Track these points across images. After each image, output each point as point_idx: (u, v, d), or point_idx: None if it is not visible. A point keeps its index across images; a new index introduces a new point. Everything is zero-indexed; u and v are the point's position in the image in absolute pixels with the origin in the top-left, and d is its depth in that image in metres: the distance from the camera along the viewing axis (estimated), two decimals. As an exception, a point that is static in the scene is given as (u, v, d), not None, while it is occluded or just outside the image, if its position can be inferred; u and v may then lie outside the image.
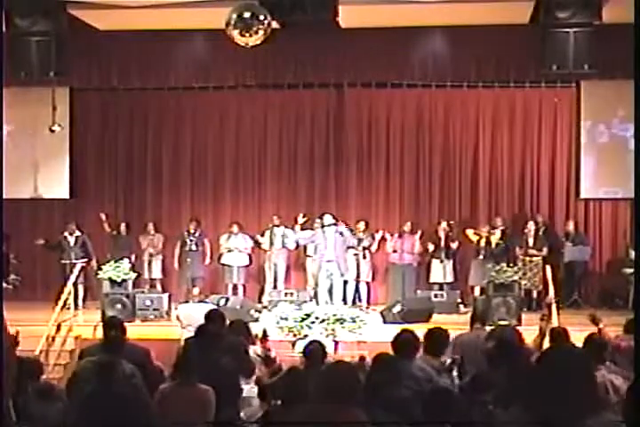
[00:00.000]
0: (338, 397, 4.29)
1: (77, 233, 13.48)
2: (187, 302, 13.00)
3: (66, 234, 13.46)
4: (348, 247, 13.08)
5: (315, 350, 6.01)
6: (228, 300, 12.02)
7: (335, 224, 12.97)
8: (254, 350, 6.75)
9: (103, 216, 13.76)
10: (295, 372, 5.61)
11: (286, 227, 13.41)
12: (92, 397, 5.32)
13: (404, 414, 4.93)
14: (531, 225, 13.30)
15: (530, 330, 7.38)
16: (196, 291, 11.83)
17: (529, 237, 13.24)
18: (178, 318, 9.99)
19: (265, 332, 7.36)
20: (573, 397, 2.91)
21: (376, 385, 5.14)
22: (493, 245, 13.04)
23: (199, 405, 5.43)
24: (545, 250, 13.20)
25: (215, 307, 8.51)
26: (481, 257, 13.00)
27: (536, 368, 3.07)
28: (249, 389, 6.51)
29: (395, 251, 13.20)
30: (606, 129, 13.65)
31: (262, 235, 13.45)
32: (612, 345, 6.22)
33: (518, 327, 8.72)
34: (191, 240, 13.43)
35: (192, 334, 6.88)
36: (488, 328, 7.17)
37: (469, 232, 13.22)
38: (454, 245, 13.27)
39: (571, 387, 2.92)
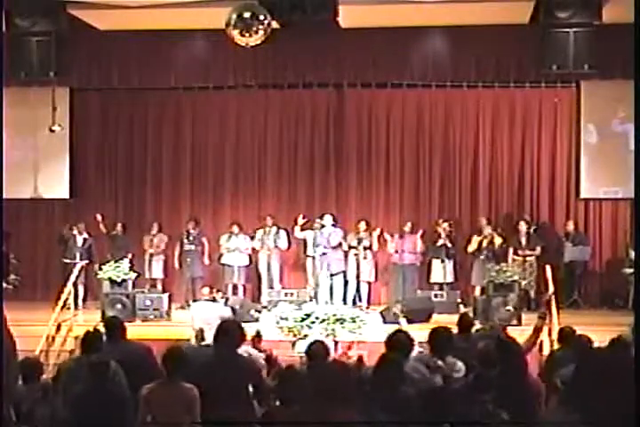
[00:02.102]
0: (331, 397, 4.29)
1: (85, 235, 13.47)
2: (195, 300, 13.05)
3: (75, 233, 13.45)
4: (350, 247, 13.12)
5: (317, 350, 6.00)
6: (227, 300, 12.03)
7: (334, 225, 13.02)
8: (245, 349, 6.72)
9: (99, 217, 13.73)
10: (292, 371, 5.61)
11: (279, 227, 13.43)
12: (80, 395, 5.34)
13: (407, 414, 4.94)
14: (522, 225, 13.28)
15: (529, 330, 7.38)
16: (205, 291, 11.91)
17: (521, 237, 13.22)
18: (192, 317, 10.01)
19: (258, 332, 7.36)
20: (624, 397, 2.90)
21: (383, 385, 5.15)
22: (497, 246, 13.03)
23: (184, 404, 5.44)
24: (538, 249, 13.17)
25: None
26: (482, 257, 12.99)
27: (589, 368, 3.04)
28: None
29: (396, 251, 13.20)
30: (606, 129, 13.63)
31: (254, 233, 13.46)
32: None
33: (518, 327, 8.76)
34: (190, 240, 13.43)
35: (212, 331, 6.85)
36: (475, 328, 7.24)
37: (474, 241, 13.18)
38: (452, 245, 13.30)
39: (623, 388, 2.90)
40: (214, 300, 11.76)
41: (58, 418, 5.50)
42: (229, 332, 6.11)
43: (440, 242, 13.24)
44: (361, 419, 4.75)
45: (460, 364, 6.00)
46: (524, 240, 13.17)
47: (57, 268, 13.65)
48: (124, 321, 6.86)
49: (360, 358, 7.09)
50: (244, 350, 6.87)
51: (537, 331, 7.00)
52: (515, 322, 10.84)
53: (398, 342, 5.73)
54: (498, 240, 13.09)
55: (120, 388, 5.59)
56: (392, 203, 14.24)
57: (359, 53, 13.25)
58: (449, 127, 14.16)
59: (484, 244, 13.06)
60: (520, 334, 7.04)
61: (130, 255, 13.25)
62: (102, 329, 6.53)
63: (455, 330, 7.02)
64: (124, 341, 6.55)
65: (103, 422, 5.27)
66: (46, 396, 5.90)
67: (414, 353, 5.87)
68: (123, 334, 6.56)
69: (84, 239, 13.45)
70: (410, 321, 10.50)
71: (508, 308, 11.26)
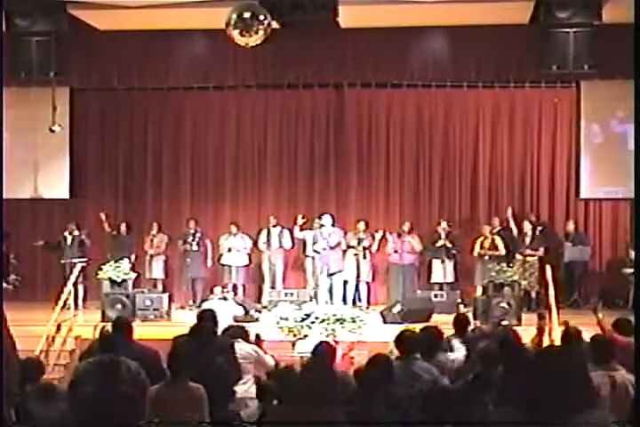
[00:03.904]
0: (318, 397, 4.31)
1: (76, 232, 13.49)
2: (195, 301, 13.09)
3: (65, 234, 13.50)
4: (349, 247, 13.12)
5: (322, 351, 6.00)
6: (227, 300, 12.05)
7: (333, 225, 13.02)
8: (241, 348, 6.74)
9: (103, 216, 13.77)
10: (291, 372, 5.61)
11: (283, 227, 13.43)
12: (95, 395, 5.33)
13: (403, 414, 4.94)
14: (526, 225, 13.28)
15: (530, 330, 7.39)
16: (217, 290, 11.99)
17: (526, 237, 13.22)
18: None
19: (258, 336, 7.39)
20: (561, 396, 2.98)
21: (371, 385, 5.15)
22: (500, 247, 13.03)
23: (191, 403, 5.43)
24: (542, 250, 13.17)
25: (209, 308, 8.46)
26: (486, 257, 12.98)
27: (528, 368, 3.15)
28: (247, 389, 6.53)
29: (395, 251, 13.20)
30: (606, 129, 13.64)
31: (258, 234, 13.47)
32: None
33: (518, 327, 8.75)
34: (192, 240, 13.42)
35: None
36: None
37: (477, 243, 13.20)
38: (453, 245, 13.30)
39: (558, 386, 2.98)
40: (225, 299, 11.81)
41: (70, 419, 5.49)
42: (201, 333, 6.18)
43: (440, 242, 13.26)
44: (354, 419, 4.75)
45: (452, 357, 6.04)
46: (527, 240, 13.17)
47: (57, 268, 13.64)
48: (131, 322, 6.87)
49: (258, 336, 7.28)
50: (252, 348, 6.90)
51: (541, 331, 7.00)
52: (515, 322, 10.83)
53: (407, 341, 5.73)
54: (498, 240, 13.09)
55: (138, 387, 5.58)
56: (392, 203, 14.24)
57: (359, 53, 13.25)
58: (449, 127, 14.17)
59: (486, 245, 13.07)
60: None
61: (133, 256, 13.29)
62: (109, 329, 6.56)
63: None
64: (132, 342, 6.57)
65: (126, 422, 5.27)
66: (48, 396, 5.88)
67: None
68: (130, 334, 6.57)
69: (74, 237, 13.46)
70: (410, 321, 10.52)
71: (502, 304, 11.27)
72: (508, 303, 11.28)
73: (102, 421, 5.17)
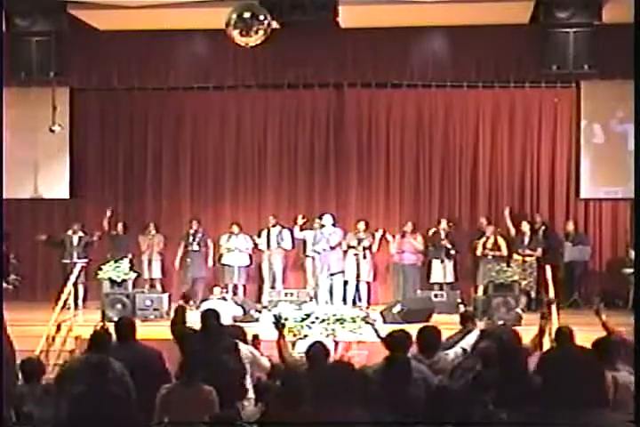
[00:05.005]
0: (339, 396, 4.29)
1: (81, 233, 13.49)
2: (195, 300, 13.09)
3: (70, 233, 13.49)
4: (349, 247, 13.12)
5: (317, 351, 6.01)
6: (226, 300, 12.05)
7: (334, 224, 13.03)
8: (248, 349, 6.75)
9: (109, 213, 13.74)
10: (291, 372, 5.61)
11: (283, 227, 13.43)
12: (78, 395, 5.33)
13: (413, 414, 4.95)
14: (524, 225, 13.27)
15: (529, 330, 7.37)
16: (216, 290, 11.98)
17: (524, 237, 13.22)
18: None
19: (256, 336, 7.40)
20: (572, 397, 2.98)
21: (392, 385, 5.16)
22: (502, 247, 13.04)
23: (202, 405, 5.43)
24: (539, 250, 13.16)
25: (212, 307, 8.46)
26: (489, 257, 12.97)
27: (536, 369, 3.16)
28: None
29: (397, 251, 13.20)
30: (606, 129, 13.64)
31: (259, 235, 13.47)
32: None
33: (518, 327, 8.76)
34: (194, 240, 13.42)
35: None
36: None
37: (480, 243, 13.20)
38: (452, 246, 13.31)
39: (569, 387, 2.99)
40: (224, 299, 11.81)
41: (59, 418, 5.49)
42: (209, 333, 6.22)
43: (440, 242, 13.24)
44: (366, 419, 4.75)
45: (452, 354, 6.05)
46: (526, 240, 13.17)
47: (57, 268, 13.65)
48: (134, 322, 6.86)
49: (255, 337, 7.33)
50: (247, 349, 6.90)
51: (541, 331, 6.99)
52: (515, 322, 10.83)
53: (397, 341, 5.75)
54: (501, 240, 13.10)
55: (121, 388, 5.58)
56: (392, 203, 14.24)
57: (359, 53, 13.25)
58: (449, 127, 14.16)
59: (489, 245, 13.06)
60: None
61: (130, 255, 13.27)
62: (112, 330, 6.56)
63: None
64: (134, 342, 6.56)
65: (102, 423, 5.26)
66: (48, 396, 5.89)
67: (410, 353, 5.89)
68: (133, 335, 6.57)
69: (80, 238, 13.46)
70: (410, 321, 10.51)
71: (517, 310, 11.25)
72: (523, 309, 11.28)
73: (81, 418, 5.18)
